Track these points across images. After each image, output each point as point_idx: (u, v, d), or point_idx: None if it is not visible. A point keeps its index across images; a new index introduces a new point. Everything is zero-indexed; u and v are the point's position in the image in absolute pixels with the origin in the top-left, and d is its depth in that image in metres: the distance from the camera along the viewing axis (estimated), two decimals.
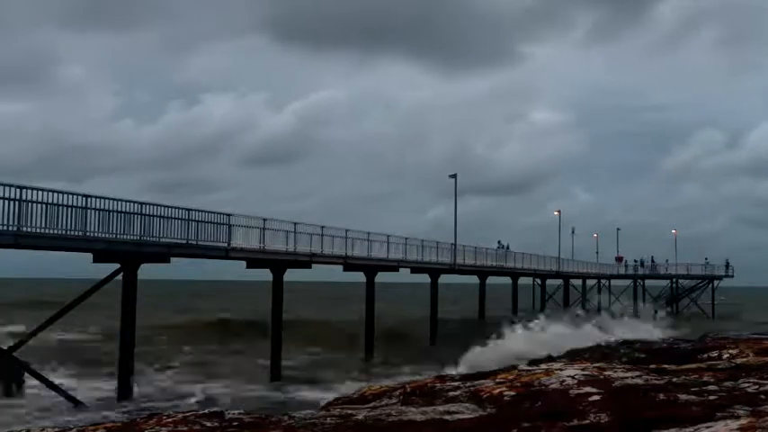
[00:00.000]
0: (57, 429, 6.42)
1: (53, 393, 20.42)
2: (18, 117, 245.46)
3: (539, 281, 65.81)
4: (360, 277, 35.29)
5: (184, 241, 22.99)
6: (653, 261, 74.50)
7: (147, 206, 21.72)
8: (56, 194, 18.89)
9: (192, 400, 21.45)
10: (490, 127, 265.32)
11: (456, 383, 8.41)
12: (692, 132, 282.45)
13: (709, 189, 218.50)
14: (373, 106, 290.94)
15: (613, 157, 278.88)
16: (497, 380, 8.38)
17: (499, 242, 51.73)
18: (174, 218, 22.63)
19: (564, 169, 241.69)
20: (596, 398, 6.63)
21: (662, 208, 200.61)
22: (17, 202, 17.67)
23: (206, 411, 6.46)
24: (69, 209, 19.19)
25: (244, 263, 27.86)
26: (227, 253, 25.07)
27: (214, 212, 24.64)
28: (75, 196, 19.48)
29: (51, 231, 18.72)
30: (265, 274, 28.85)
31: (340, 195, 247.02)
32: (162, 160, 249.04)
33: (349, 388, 12.93)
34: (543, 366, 9.29)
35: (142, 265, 21.93)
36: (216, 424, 6.19)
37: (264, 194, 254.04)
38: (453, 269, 42.02)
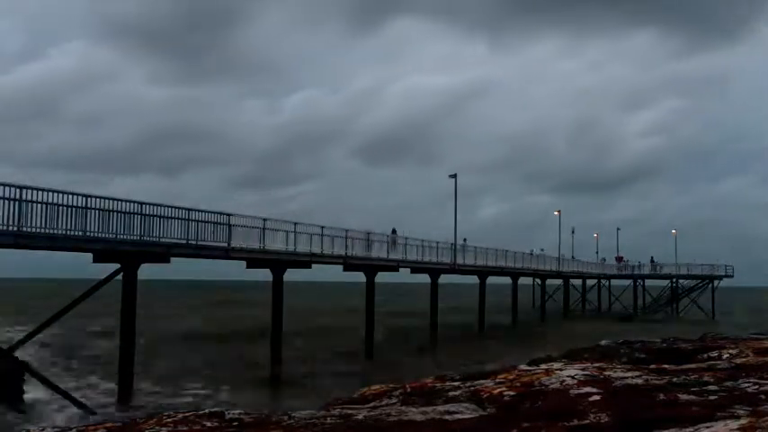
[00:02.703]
0: (57, 429, 6.41)
1: (53, 393, 20.40)
2: (140, 97, 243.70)
3: (539, 281, 65.84)
4: (360, 277, 35.33)
5: (184, 241, 23.00)
6: (653, 261, 74.46)
7: (147, 206, 21.72)
8: (56, 194, 18.89)
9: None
10: (650, 116, 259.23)
11: (456, 383, 8.40)
12: None
13: None
14: (524, 90, 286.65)
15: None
16: (497, 380, 8.38)
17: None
18: (174, 218, 22.63)
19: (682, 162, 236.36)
20: (596, 398, 6.63)
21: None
22: (17, 202, 17.67)
23: (206, 411, 6.45)
24: (69, 209, 19.19)
25: (244, 263, 27.87)
26: (227, 253, 25.07)
27: (214, 212, 24.65)
28: (75, 196, 19.49)
29: (51, 231, 18.72)
30: (265, 274, 28.90)
31: (433, 190, 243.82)
32: (267, 150, 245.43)
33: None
34: (543, 366, 9.28)
35: (142, 265, 21.94)
36: (216, 424, 6.19)
37: (365, 189, 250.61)
38: (453, 269, 42.00)
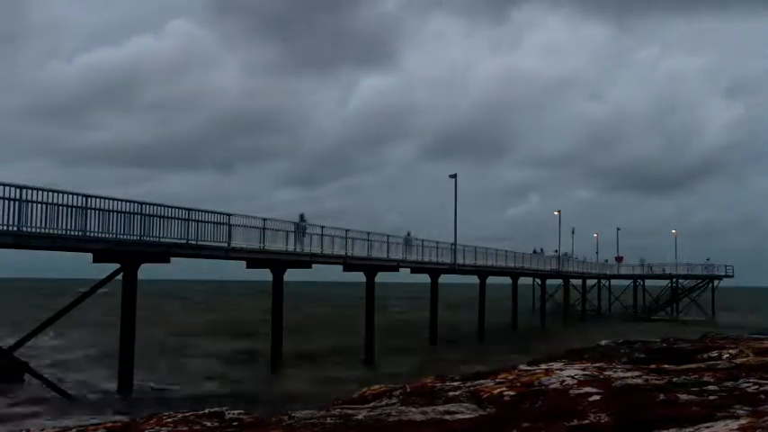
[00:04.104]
0: (57, 429, 6.41)
1: (53, 393, 20.41)
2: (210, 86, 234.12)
3: (539, 281, 65.82)
4: (360, 277, 35.32)
5: (184, 241, 23.00)
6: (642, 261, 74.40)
7: (147, 206, 21.73)
8: (56, 194, 18.90)
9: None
10: (742, 107, 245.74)
11: (456, 383, 8.40)
12: None
13: None
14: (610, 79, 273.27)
15: None
16: (497, 380, 8.37)
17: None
18: (174, 218, 22.64)
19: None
20: (596, 398, 6.62)
21: None
22: (17, 202, 17.67)
23: (206, 411, 6.45)
24: (69, 209, 19.20)
25: (244, 263, 27.88)
26: (227, 253, 25.07)
27: (214, 212, 24.66)
28: (75, 196, 19.49)
29: (51, 231, 18.72)
30: (265, 274, 28.90)
31: (494, 186, 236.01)
32: (328, 144, 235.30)
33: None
34: (543, 366, 9.27)
35: (142, 265, 21.94)
36: (216, 424, 6.19)
37: (421, 185, 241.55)
38: (453, 269, 42.00)
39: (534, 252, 56.47)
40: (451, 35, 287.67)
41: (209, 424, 6.11)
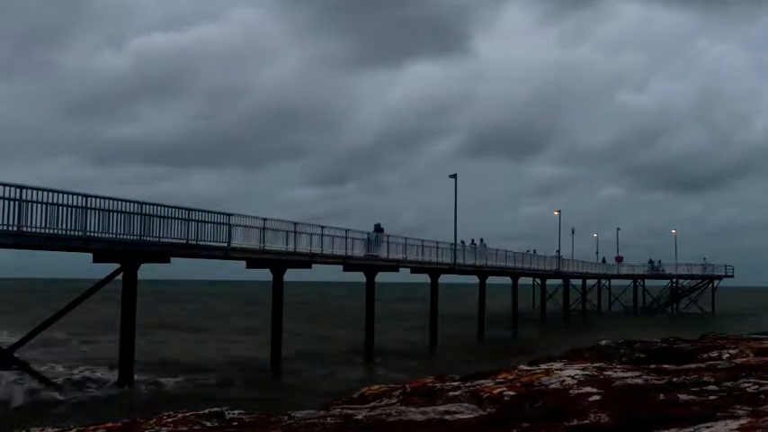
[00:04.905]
0: (56, 429, 6.41)
1: (53, 392, 20.41)
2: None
3: (539, 281, 65.81)
4: (360, 277, 35.33)
5: (184, 241, 23.01)
6: (651, 261, 74.56)
7: (147, 206, 21.74)
8: (56, 194, 18.91)
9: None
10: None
11: (456, 383, 8.39)
12: None
13: None
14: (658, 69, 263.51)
15: None
16: (497, 380, 8.37)
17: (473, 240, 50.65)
18: (174, 218, 22.65)
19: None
20: (596, 398, 6.62)
21: None
22: (17, 202, 17.68)
23: (206, 411, 6.45)
24: (69, 209, 19.20)
25: (244, 263, 27.88)
26: (227, 253, 25.07)
27: (214, 212, 24.67)
28: (74, 196, 19.50)
29: (51, 231, 18.73)
30: (265, 274, 28.90)
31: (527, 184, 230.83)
32: (366, 142, 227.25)
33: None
34: (543, 366, 9.27)
35: (142, 265, 21.96)
36: (216, 424, 6.19)
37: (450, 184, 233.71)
38: (453, 269, 42.00)
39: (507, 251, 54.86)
40: (524, 25, 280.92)
41: (209, 424, 6.10)
